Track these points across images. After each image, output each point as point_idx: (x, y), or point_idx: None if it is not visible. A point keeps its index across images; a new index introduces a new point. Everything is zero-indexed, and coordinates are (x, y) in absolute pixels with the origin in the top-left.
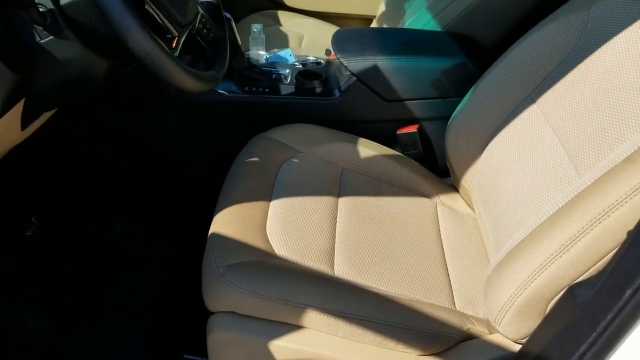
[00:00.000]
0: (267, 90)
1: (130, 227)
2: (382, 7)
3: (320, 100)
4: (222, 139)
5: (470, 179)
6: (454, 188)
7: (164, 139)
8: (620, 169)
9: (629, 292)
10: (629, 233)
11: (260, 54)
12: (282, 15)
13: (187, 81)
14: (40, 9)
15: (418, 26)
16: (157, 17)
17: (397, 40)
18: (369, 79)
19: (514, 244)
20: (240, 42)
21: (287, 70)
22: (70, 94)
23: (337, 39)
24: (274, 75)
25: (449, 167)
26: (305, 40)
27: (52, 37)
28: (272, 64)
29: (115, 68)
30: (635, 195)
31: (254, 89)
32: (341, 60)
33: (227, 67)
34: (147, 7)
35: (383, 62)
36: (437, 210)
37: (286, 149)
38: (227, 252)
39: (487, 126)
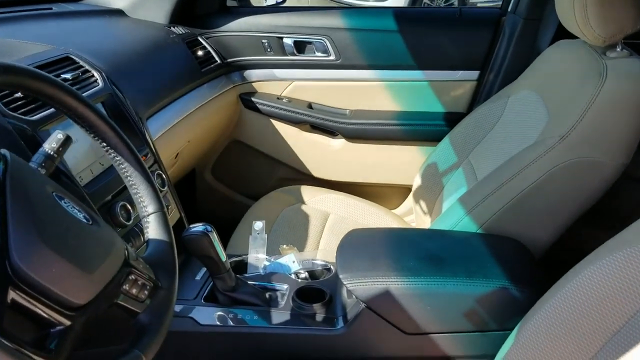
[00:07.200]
0: (255, 317)
1: None
2: (417, 180)
3: (321, 330)
4: None
5: None
6: None
7: None
8: None
9: None
10: None
11: (259, 259)
12: (307, 190)
13: None
14: None
15: (449, 224)
16: (30, 307)
17: (418, 253)
18: (382, 307)
19: None
20: (225, 258)
21: (285, 286)
22: None
23: (342, 251)
24: (268, 294)
25: None
26: (331, 219)
27: None
28: (268, 275)
29: None
30: None
31: (239, 316)
32: (345, 283)
33: (163, 337)
34: (13, 296)
35: (398, 287)
36: None
37: None
38: None
39: None
